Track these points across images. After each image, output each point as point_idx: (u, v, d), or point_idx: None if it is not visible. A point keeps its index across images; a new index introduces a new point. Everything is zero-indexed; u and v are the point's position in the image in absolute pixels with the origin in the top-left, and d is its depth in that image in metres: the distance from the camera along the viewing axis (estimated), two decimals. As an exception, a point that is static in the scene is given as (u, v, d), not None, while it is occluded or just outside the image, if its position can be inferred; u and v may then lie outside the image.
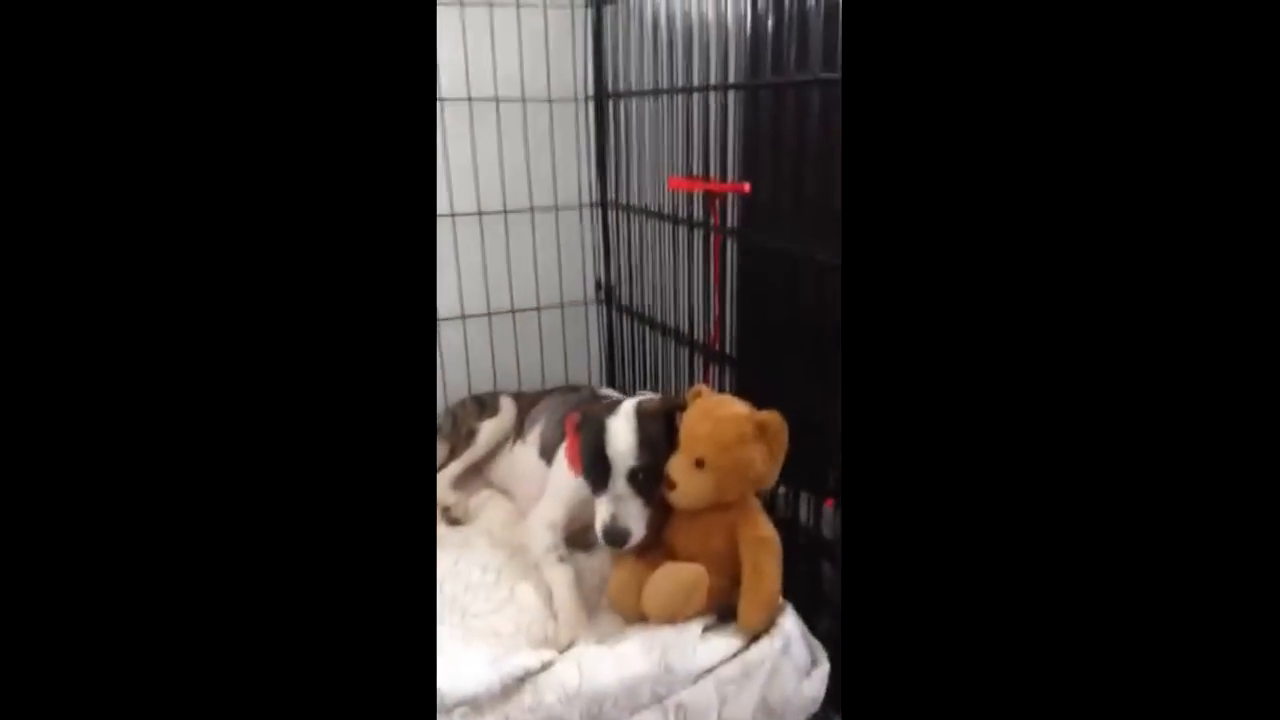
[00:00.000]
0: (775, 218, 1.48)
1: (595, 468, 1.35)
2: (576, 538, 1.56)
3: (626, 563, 1.39)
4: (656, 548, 1.44)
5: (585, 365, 2.30)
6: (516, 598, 1.37)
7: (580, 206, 2.14)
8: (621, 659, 1.17)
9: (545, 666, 1.15)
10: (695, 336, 1.81)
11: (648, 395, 1.47)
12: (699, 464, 1.34)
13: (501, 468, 1.87)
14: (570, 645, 1.26)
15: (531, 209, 2.08)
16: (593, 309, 2.25)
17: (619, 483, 1.33)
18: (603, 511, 1.33)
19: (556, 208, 2.11)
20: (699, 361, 1.81)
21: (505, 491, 1.84)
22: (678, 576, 1.31)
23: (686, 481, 1.34)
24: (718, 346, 1.74)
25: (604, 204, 2.09)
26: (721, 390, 1.64)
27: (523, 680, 1.13)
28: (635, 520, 1.33)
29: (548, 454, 1.67)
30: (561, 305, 2.21)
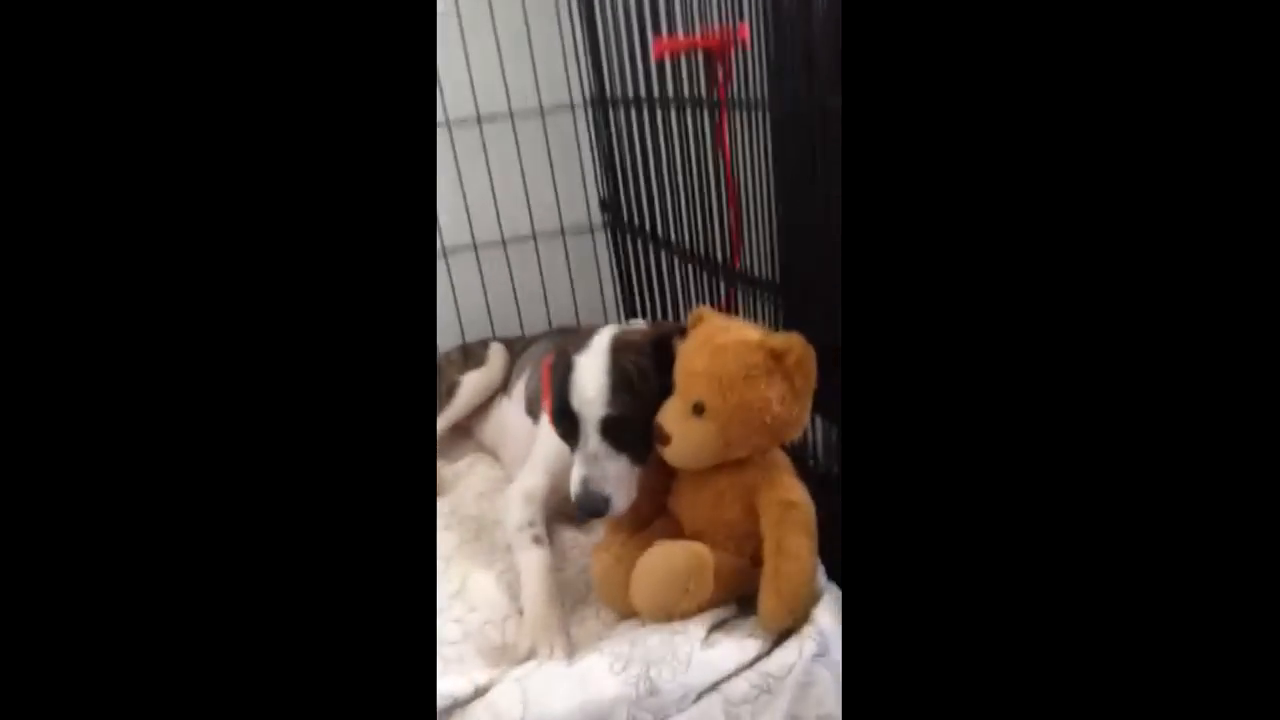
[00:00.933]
0: (794, 72, 1.09)
1: (563, 419, 1.05)
2: (565, 509, 1.25)
3: (613, 542, 1.08)
4: (659, 521, 1.13)
5: (598, 302, 1.97)
6: (467, 591, 1.07)
7: (573, 106, 1.79)
8: (584, 679, 0.86)
9: (480, 692, 0.85)
10: (724, 257, 1.45)
11: (635, 323, 1.13)
12: (698, 409, 1.00)
13: (491, 427, 1.57)
14: (531, 654, 0.96)
15: (510, 114, 1.74)
16: (600, 235, 1.91)
17: (591, 438, 1.02)
18: (575, 474, 1.03)
19: (542, 110, 1.76)
20: (731, 289, 1.45)
21: (495, 455, 1.54)
22: (670, 560, 0.99)
23: (683, 433, 1.01)
24: (736, 262, 1.38)
25: (602, 100, 1.73)
26: (768, 321, 1.28)
27: (450, 711, 0.83)
28: (616, 483, 1.02)
29: (534, 409, 1.36)
30: (562, 232, 1.87)
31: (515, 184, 1.78)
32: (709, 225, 1.45)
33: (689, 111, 1.40)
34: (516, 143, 1.76)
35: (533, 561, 1.11)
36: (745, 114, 1.26)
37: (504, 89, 1.71)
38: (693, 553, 0.98)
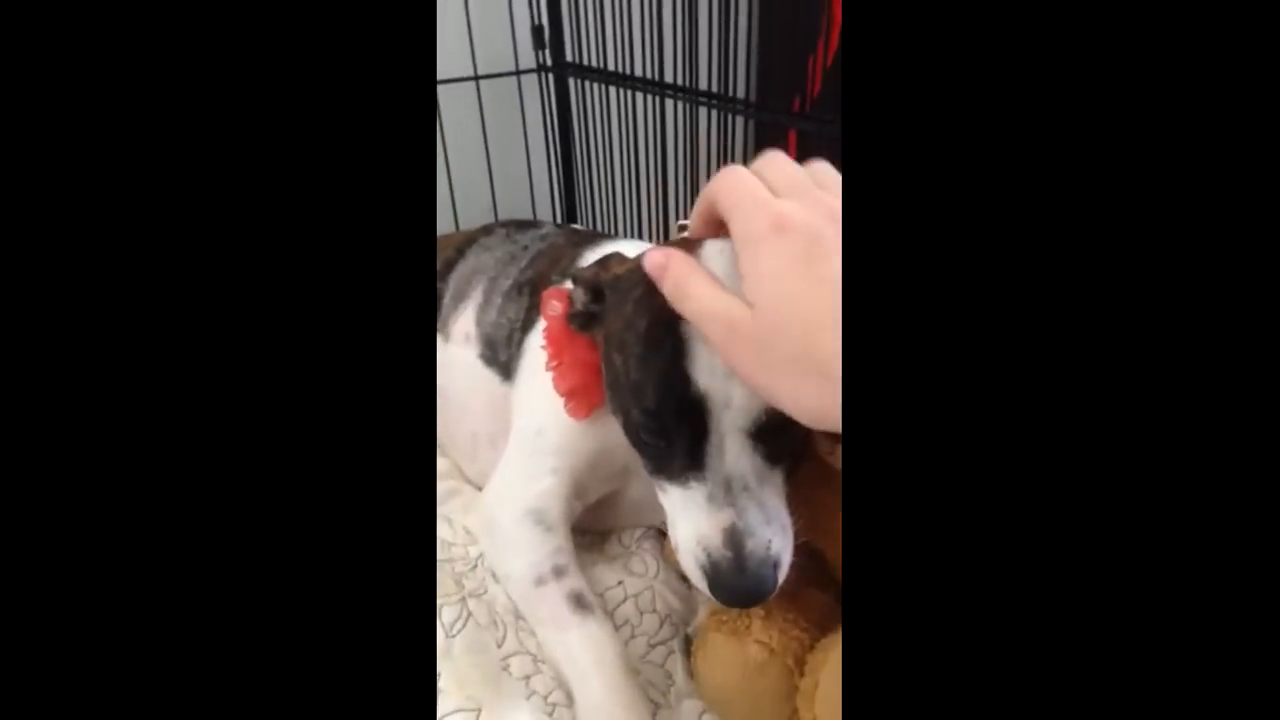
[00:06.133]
0: None
1: (665, 418, 0.51)
2: (587, 524, 0.74)
3: (748, 615, 0.60)
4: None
5: (525, 178, 1.41)
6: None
7: None
8: None
9: None
10: (743, 90, 0.96)
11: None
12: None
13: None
14: None
15: None
16: (530, 81, 1.34)
17: (730, 448, 0.51)
18: (709, 522, 0.51)
19: None
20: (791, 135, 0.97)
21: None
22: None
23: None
24: (817, 88, 0.89)
25: None
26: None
27: None
28: (782, 532, 0.51)
29: (497, 357, 0.82)
30: (475, 78, 1.28)
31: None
32: (729, 46, 0.94)
33: None
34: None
35: (586, 646, 0.61)
36: None
37: None
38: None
